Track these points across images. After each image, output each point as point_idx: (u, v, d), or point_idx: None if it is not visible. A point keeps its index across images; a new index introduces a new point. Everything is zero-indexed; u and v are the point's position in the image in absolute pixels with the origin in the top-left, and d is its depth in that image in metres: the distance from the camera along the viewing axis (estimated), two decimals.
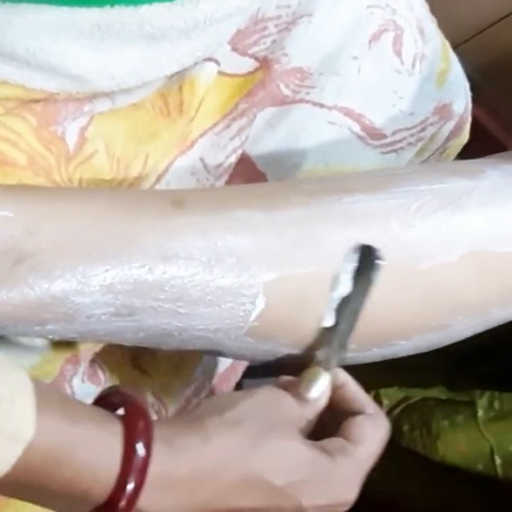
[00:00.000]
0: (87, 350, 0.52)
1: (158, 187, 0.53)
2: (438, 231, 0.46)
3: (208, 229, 0.44)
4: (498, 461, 0.70)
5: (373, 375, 0.75)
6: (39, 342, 0.50)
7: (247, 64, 0.56)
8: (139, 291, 0.42)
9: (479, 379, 0.74)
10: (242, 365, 0.64)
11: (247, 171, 0.57)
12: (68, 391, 0.52)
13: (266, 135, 0.57)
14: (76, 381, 0.52)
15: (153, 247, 0.43)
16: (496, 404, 0.70)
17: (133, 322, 0.43)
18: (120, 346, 0.55)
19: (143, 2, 0.44)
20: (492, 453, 0.70)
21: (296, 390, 0.42)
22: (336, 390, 0.42)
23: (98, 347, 0.53)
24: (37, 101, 0.47)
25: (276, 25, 0.56)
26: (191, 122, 0.54)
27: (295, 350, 0.46)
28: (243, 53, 0.56)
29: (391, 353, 0.49)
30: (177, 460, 0.36)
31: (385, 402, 0.76)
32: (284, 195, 0.47)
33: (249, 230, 0.44)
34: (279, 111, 0.57)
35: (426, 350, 0.50)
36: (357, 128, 0.58)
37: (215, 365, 0.61)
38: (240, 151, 0.56)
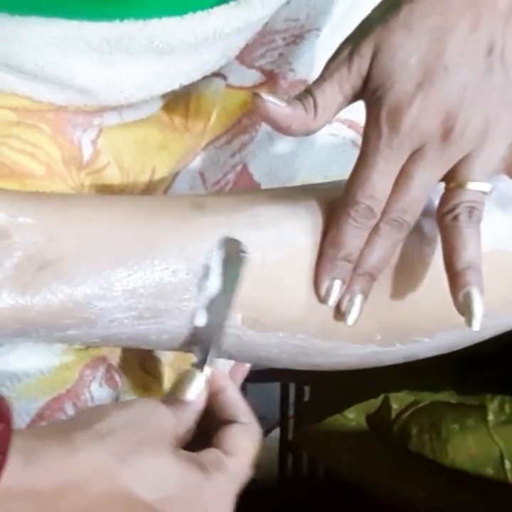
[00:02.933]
0: (105, 354, 0.52)
1: None
2: None
3: (230, 227, 0.44)
4: (508, 465, 0.70)
5: (383, 380, 0.76)
6: (57, 348, 0.50)
7: (254, 77, 0.56)
8: (163, 293, 0.42)
9: (489, 383, 0.74)
10: (241, 372, 0.64)
11: (243, 182, 0.57)
12: (87, 396, 0.52)
13: (265, 147, 0.57)
14: (95, 386, 0.52)
15: (175, 250, 0.42)
16: (507, 408, 0.70)
17: (157, 324, 0.43)
18: (130, 350, 0.55)
19: (152, 16, 0.45)
20: (502, 457, 0.70)
21: (172, 395, 0.41)
22: (215, 395, 0.42)
23: (115, 351, 0.53)
24: (48, 111, 0.47)
25: (284, 38, 0.56)
26: (200, 138, 0.54)
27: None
28: (250, 66, 0.56)
29: (414, 351, 0.48)
30: (35, 472, 0.35)
31: (394, 406, 0.76)
32: (303, 190, 0.47)
33: (272, 223, 0.44)
34: None
35: (446, 351, 0.50)
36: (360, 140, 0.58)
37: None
38: (238, 168, 0.56)
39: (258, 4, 0.48)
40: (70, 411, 0.52)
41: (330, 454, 0.82)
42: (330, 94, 0.43)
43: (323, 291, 0.44)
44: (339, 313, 0.44)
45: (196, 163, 0.56)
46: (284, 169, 0.58)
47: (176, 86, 0.50)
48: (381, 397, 0.78)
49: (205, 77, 0.52)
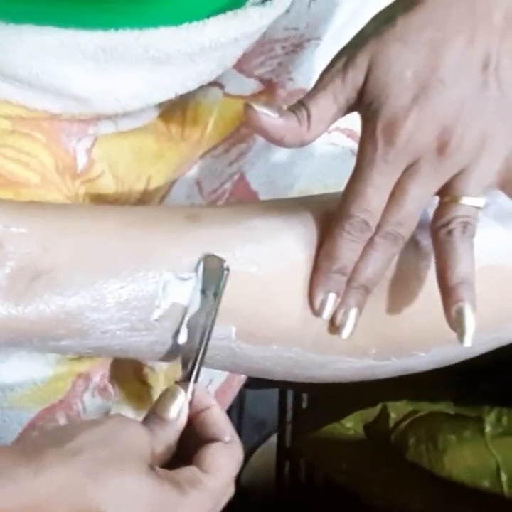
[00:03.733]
0: (98, 365, 0.52)
1: None
2: None
3: (225, 240, 0.43)
4: (504, 477, 0.69)
5: (381, 388, 0.75)
6: (51, 358, 0.49)
7: (252, 86, 0.56)
8: (156, 305, 0.42)
9: (487, 395, 0.74)
10: (237, 381, 0.64)
11: (240, 190, 0.57)
12: (79, 406, 0.52)
13: (263, 155, 0.57)
14: (87, 396, 0.52)
15: (169, 262, 0.42)
16: (504, 421, 0.70)
17: (149, 336, 0.43)
18: (124, 360, 0.55)
19: (148, 26, 0.45)
20: (498, 469, 0.70)
21: (154, 412, 0.40)
22: (198, 413, 0.41)
23: (108, 362, 0.53)
24: (43, 119, 0.47)
25: (283, 47, 0.56)
26: (197, 147, 0.54)
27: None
28: (249, 75, 0.56)
29: (409, 365, 0.48)
30: (2, 493, 0.34)
31: (392, 415, 0.76)
32: (300, 202, 0.47)
33: (268, 236, 0.44)
34: None
35: (442, 365, 0.50)
36: None
37: (210, 380, 0.61)
38: (236, 177, 0.56)
39: (256, 15, 0.47)
40: (62, 421, 0.51)
41: (328, 462, 0.82)
42: (324, 106, 0.43)
43: (317, 304, 0.44)
44: (334, 326, 0.44)
45: (193, 172, 0.55)
46: (282, 178, 0.57)
47: (172, 95, 0.50)
48: (379, 406, 0.77)
49: (202, 86, 0.51)
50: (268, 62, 0.56)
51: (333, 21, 0.57)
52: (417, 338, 0.47)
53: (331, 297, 0.43)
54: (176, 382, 0.41)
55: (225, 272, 0.42)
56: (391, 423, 0.76)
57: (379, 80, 0.42)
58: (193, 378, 0.42)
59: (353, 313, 0.44)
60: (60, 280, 0.41)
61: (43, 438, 0.38)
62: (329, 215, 0.45)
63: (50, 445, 0.36)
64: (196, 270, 0.43)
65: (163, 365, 0.56)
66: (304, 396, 0.94)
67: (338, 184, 0.57)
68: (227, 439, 0.40)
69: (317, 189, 0.58)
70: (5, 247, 0.40)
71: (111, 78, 0.46)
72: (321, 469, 0.90)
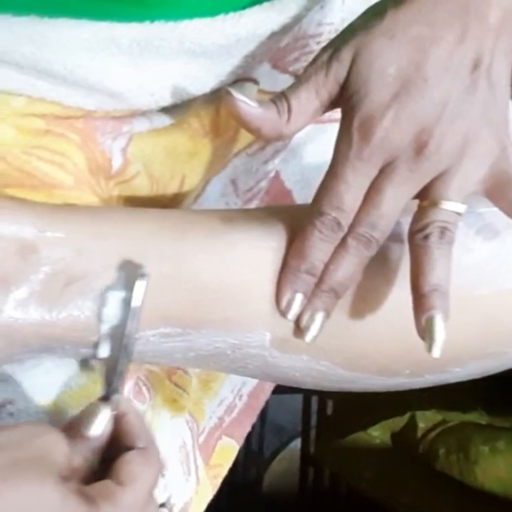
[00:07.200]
0: (134, 369, 0.51)
1: (194, 207, 0.52)
2: (498, 255, 0.44)
3: (262, 244, 0.42)
4: None
5: (410, 397, 0.74)
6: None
7: (287, 82, 0.55)
8: (191, 310, 0.41)
9: None
10: (270, 384, 0.63)
11: (274, 188, 0.56)
12: None
13: (297, 153, 0.56)
14: None
15: (204, 266, 0.41)
16: None
17: (183, 342, 0.42)
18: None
19: (183, 17, 0.44)
20: None
21: (75, 428, 0.38)
22: (115, 421, 0.38)
23: (142, 365, 0.52)
24: (77, 118, 0.46)
25: (318, 43, 0.54)
26: (232, 144, 0.53)
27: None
28: (284, 71, 0.55)
29: (443, 379, 0.47)
30: None
31: (421, 425, 0.74)
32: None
33: None
34: (313, 129, 0.55)
35: (478, 377, 0.48)
36: None
37: (243, 383, 0.60)
38: (271, 175, 0.54)
39: (293, 5, 0.46)
40: None
41: (352, 470, 0.81)
42: (305, 99, 0.41)
43: (283, 303, 0.41)
44: (298, 328, 0.42)
45: (228, 170, 0.54)
46: (316, 176, 0.56)
47: (207, 89, 0.49)
48: (407, 415, 0.76)
49: (236, 81, 0.50)
50: (303, 58, 0.54)
51: None
52: (453, 356, 0.45)
53: (298, 297, 0.41)
54: (99, 398, 0.39)
55: (144, 279, 0.39)
56: (419, 433, 0.75)
57: (360, 74, 0.40)
58: (114, 393, 0.39)
59: (319, 317, 0.41)
60: (94, 286, 0.40)
61: None
62: None
63: None
64: (115, 279, 0.40)
65: (196, 369, 0.55)
66: (329, 402, 0.92)
67: None
68: (140, 445, 0.38)
69: None
70: (40, 251, 0.39)
71: (145, 72, 0.45)
72: (345, 477, 0.89)
